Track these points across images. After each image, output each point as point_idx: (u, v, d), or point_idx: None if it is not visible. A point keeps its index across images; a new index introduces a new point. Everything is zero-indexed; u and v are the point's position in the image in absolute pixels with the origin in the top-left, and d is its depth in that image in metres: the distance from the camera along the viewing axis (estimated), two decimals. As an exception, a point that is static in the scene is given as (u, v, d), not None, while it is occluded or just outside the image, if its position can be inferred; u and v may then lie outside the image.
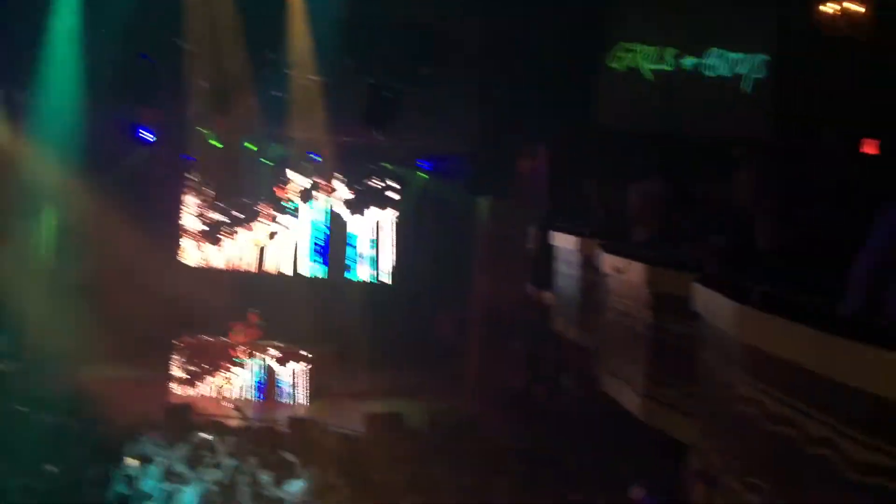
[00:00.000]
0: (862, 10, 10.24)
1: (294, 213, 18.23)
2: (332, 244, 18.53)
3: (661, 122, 12.19)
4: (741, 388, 6.19)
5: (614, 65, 12.99)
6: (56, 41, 13.32)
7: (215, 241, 17.84)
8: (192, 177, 17.55)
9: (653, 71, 12.97)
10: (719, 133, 11.16)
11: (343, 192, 18.37)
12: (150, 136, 16.27)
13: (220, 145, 16.72)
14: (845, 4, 10.13)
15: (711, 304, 6.85)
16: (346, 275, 18.55)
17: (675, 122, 11.68)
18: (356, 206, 18.54)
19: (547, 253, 14.64)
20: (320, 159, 17.28)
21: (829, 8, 10.25)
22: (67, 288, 14.75)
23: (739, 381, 6.23)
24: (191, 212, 17.68)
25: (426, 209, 18.05)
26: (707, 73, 12.71)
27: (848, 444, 4.80)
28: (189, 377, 14.80)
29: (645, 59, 12.99)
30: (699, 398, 7.55)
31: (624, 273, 9.61)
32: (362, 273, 18.55)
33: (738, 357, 6.22)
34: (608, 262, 10.29)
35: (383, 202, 18.57)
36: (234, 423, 12.64)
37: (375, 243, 18.54)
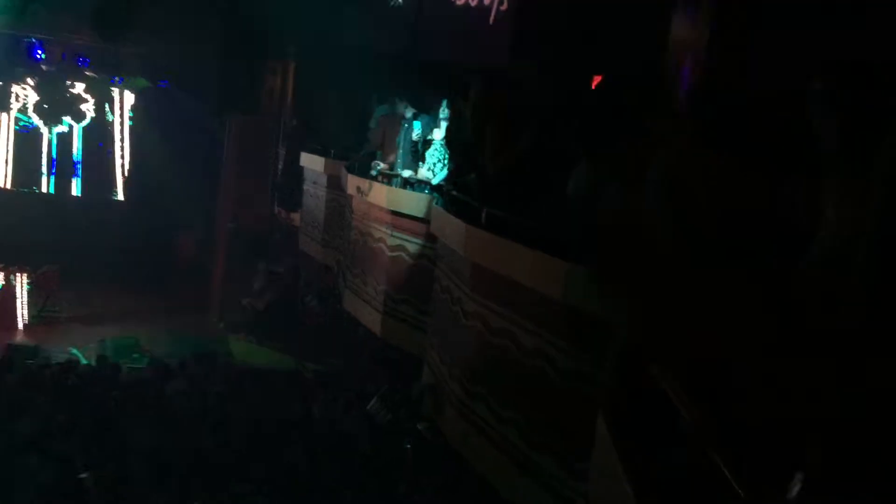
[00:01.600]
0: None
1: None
2: (58, 157, 17.15)
3: (406, 43, 12.24)
4: (468, 302, 6.56)
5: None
6: None
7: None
8: None
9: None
10: (459, 58, 11.40)
11: (69, 99, 16.93)
12: None
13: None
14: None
15: (445, 224, 7.15)
16: (75, 190, 17.29)
17: (419, 45, 11.76)
18: (84, 116, 17.19)
19: (294, 173, 14.48)
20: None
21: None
22: None
23: (466, 296, 6.60)
24: None
25: (167, 124, 17.05)
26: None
27: (554, 352, 5.28)
28: None
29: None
30: (433, 314, 7.92)
31: (366, 194, 9.72)
32: (101, 190, 17.36)
33: (465, 274, 6.58)
34: (352, 182, 10.35)
35: (117, 113, 17.36)
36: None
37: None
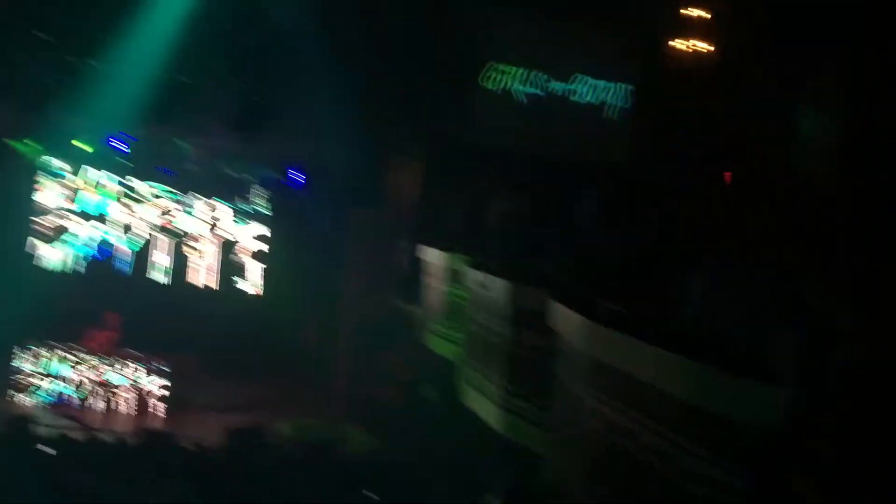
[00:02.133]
0: (710, 48, 10.93)
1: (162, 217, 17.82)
2: (196, 250, 18.14)
3: (528, 142, 12.56)
4: (589, 400, 6.47)
5: (487, 84, 13.30)
6: None
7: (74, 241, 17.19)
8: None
9: (523, 93, 13.35)
10: (581, 157, 11.60)
11: (208, 198, 18.02)
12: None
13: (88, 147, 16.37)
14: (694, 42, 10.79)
15: (564, 319, 7.14)
16: (209, 282, 18.16)
17: (540, 142, 12.05)
18: (222, 212, 18.21)
19: (415, 266, 14.81)
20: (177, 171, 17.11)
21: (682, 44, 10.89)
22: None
23: (587, 393, 6.52)
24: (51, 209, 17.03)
25: (295, 217, 17.85)
26: (573, 98, 13.21)
27: (678, 453, 5.11)
28: (37, 384, 14.02)
29: (516, 80, 13.37)
30: (551, 410, 7.83)
31: (487, 288, 9.85)
32: (226, 280, 18.21)
33: (586, 370, 6.51)
34: (472, 277, 10.52)
35: (250, 208, 18.32)
36: (82, 435, 11.99)
37: (236, 250, 18.30)
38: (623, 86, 13.20)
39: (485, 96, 13.19)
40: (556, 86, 13.29)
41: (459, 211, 13.16)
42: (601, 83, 13.17)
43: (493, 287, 9.47)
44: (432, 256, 13.72)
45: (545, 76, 13.46)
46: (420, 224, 14.99)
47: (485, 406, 9.91)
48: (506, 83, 13.38)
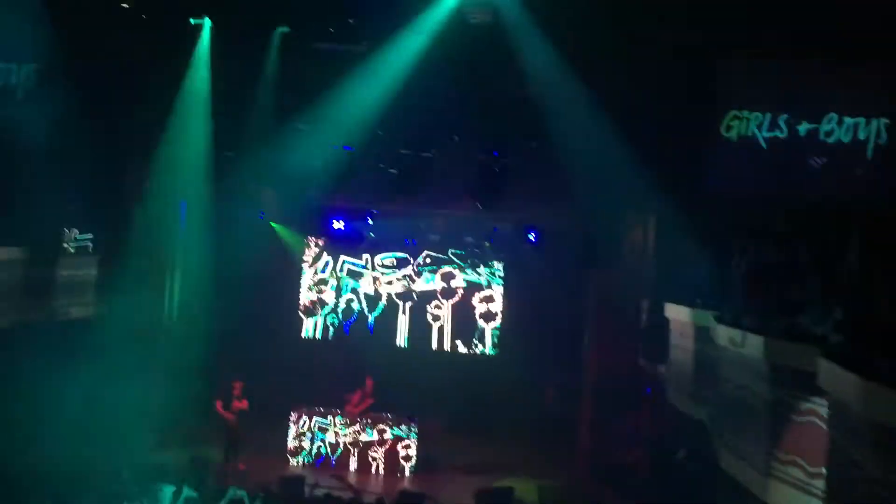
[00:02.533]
0: None
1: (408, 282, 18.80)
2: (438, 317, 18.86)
3: (775, 188, 11.86)
4: (869, 467, 5.86)
5: (726, 133, 12.79)
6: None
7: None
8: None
9: (766, 138, 12.70)
10: (837, 199, 10.76)
11: (449, 264, 18.76)
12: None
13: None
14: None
15: (837, 378, 6.55)
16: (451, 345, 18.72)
17: (790, 189, 11.32)
18: (461, 277, 18.82)
19: (658, 324, 14.34)
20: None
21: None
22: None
23: (867, 459, 5.91)
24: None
25: (535, 280, 18.05)
26: (823, 139, 12.35)
27: None
28: (301, 447, 14.99)
29: (757, 125, 12.75)
30: (824, 477, 7.18)
31: (741, 346, 9.31)
32: (471, 344, 18.69)
33: (866, 434, 5.91)
34: (723, 334, 10.01)
35: (489, 272, 18.78)
36: (345, 495, 12.61)
37: (481, 314, 18.73)
38: (881, 121, 12.17)
39: (726, 145, 12.68)
40: (805, 127, 12.50)
41: (704, 265, 12.61)
42: (855, 119, 12.22)
43: (749, 344, 8.93)
44: (676, 313, 13.23)
45: (788, 118, 12.74)
46: (663, 280, 14.53)
47: (745, 471, 9.28)
48: (746, 130, 12.80)
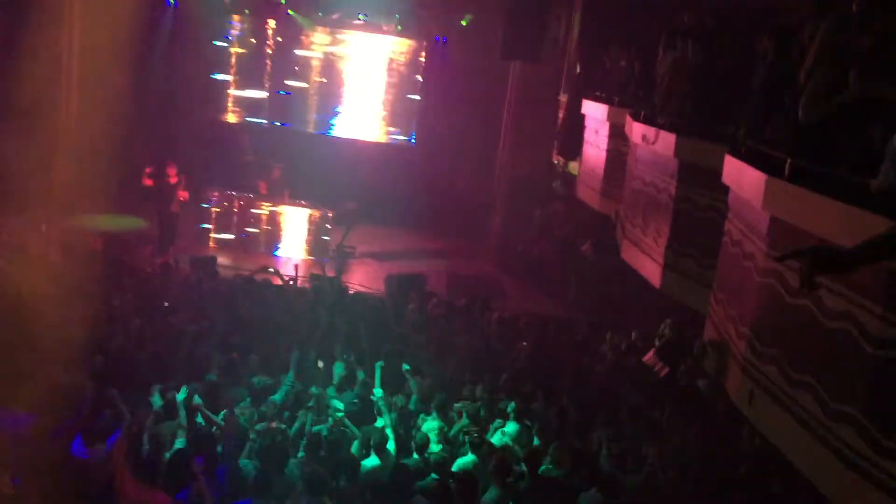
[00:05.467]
0: None
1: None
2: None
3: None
4: (762, 260, 6.21)
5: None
6: None
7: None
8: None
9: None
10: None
11: (373, 48, 18.17)
12: None
13: None
14: None
15: (740, 175, 6.78)
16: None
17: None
18: (384, 63, 18.35)
19: (574, 120, 14.44)
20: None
21: None
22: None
23: (761, 252, 6.25)
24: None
25: (454, 72, 17.69)
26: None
27: (866, 316, 4.85)
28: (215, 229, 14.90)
29: None
30: (719, 269, 7.61)
31: (652, 143, 9.48)
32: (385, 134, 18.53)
33: (762, 229, 6.22)
34: (637, 131, 10.14)
35: (407, 59, 18.35)
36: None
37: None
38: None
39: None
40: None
41: (623, 62, 12.53)
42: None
43: (661, 142, 9.10)
44: (593, 110, 13.33)
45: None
46: (581, 76, 14.46)
47: (644, 262, 9.79)
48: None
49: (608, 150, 12.77)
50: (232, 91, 18.10)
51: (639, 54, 11.66)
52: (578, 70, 14.93)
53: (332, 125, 18.35)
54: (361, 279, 13.78)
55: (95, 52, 12.91)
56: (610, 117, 12.54)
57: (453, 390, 7.86)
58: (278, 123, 18.19)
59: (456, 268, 15.02)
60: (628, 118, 10.80)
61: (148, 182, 13.75)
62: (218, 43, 17.86)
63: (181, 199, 13.70)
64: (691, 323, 8.50)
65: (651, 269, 9.51)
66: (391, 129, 18.46)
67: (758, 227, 6.34)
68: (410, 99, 18.33)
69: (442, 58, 17.98)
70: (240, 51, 18.06)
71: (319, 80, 18.22)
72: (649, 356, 8.68)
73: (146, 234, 13.95)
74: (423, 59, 18.28)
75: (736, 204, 7.17)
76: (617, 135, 12.16)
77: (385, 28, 17.85)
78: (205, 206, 14.85)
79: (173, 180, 13.58)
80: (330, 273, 12.11)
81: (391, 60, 18.33)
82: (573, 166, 15.27)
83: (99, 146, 14.02)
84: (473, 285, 13.82)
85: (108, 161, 14.42)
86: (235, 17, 17.92)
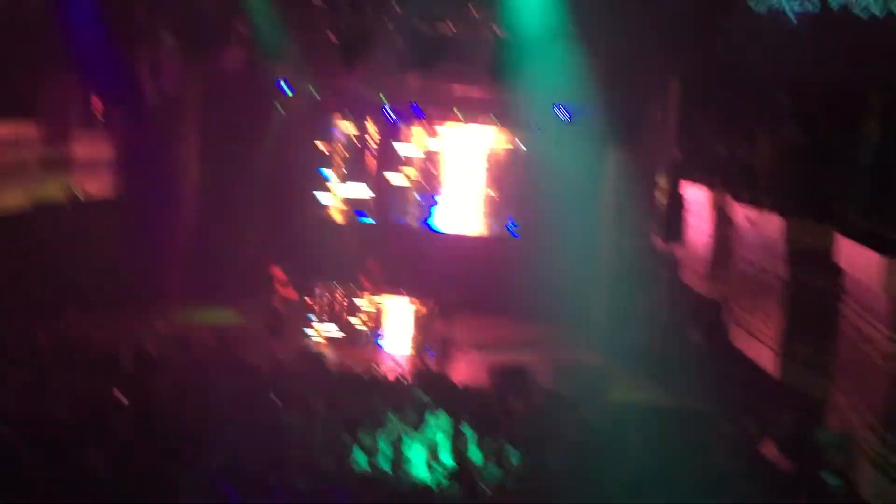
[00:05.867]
0: None
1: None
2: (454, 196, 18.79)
3: (801, 67, 11.42)
4: (885, 343, 5.89)
5: (753, 4, 12.25)
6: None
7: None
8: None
9: (796, 13, 12.18)
10: (866, 80, 10.37)
11: (471, 142, 18.59)
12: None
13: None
14: None
15: (856, 256, 6.51)
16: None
17: (816, 68, 10.88)
18: (482, 156, 18.68)
19: (675, 204, 14.21)
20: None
21: None
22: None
23: (883, 336, 5.93)
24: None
25: (549, 160, 17.80)
26: (857, 12, 11.80)
27: None
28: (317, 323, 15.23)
29: (787, -2, 12.19)
30: (838, 355, 7.24)
31: (758, 225, 9.24)
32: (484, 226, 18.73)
33: (882, 312, 5.91)
34: (740, 213, 9.92)
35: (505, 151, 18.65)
36: (361, 369, 12.81)
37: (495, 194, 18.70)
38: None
39: (751, 19, 12.18)
40: (835, 1, 11.92)
41: (724, 145, 12.37)
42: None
43: (766, 224, 8.85)
44: (693, 193, 13.11)
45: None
46: (680, 160, 14.32)
47: (757, 349, 9.39)
48: (775, 2, 12.25)
49: (712, 234, 12.49)
50: (334, 185, 18.82)
51: (740, 136, 11.50)
52: (678, 154, 14.78)
53: (432, 216, 18.74)
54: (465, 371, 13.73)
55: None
56: (712, 200, 12.31)
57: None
58: (379, 219, 18.72)
59: (560, 355, 14.78)
60: (731, 200, 10.60)
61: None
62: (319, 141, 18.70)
63: (289, 295, 14.19)
64: (809, 410, 8.06)
65: (763, 355, 9.13)
66: (490, 219, 18.71)
67: (877, 308, 6.04)
68: (508, 188, 18.56)
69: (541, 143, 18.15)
70: (341, 148, 18.84)
71: (420, 173, 18.74)
72: (768, 447, 8.24)
73: (251, 329, 14.38)
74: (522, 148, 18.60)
75: (851, 285, 6.87)
76: (721, 218, 11.90)
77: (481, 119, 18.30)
78: (307, 299, 15.25)
79: (281, 277, 14.12)
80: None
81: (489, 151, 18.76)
82: (676, 249, 14.96)
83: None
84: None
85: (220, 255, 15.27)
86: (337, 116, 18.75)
